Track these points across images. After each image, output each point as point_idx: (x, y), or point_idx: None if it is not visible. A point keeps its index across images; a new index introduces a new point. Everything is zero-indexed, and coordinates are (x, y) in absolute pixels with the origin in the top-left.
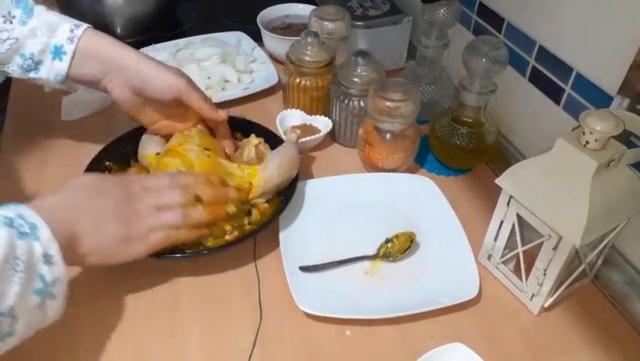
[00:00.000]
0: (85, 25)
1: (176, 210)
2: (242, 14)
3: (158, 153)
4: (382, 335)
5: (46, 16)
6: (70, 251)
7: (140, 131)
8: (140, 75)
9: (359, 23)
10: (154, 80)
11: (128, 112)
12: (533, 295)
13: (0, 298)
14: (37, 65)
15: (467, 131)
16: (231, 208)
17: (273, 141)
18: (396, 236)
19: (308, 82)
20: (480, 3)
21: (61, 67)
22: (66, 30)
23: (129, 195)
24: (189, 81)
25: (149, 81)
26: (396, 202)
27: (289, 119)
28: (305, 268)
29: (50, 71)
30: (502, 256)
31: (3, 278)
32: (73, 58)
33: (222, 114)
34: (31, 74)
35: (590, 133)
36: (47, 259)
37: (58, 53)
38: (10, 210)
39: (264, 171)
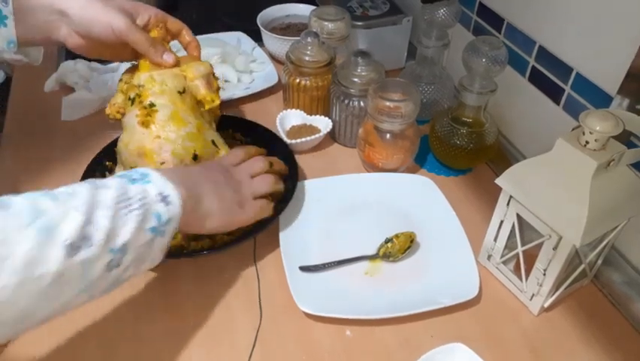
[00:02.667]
0: None
1: (265, 176)
2: (242, 14)
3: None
4: (382, 335)
5: None
6: (192, 211)
7: None
8: (82, 20)
9: (359, 23)
10: (95, 24)
11: (91, 56)
12: (533, 295)
13: (114, 236)
14: None
15: (467, 131)
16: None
17: (273, 141)
18: (397, 236)
19: (308, 82)
20: (480, 3)
21: (8, 33)
22: None
23: (227, 170)
24: (132, 21)
25: (92, 26)
26: (396, 202)
27: (289, 119)
28: (305, 268)
29: (3, 41)
30: (502, 256)
31: (116, 218)
32: (14, 19)
33: (168, 59)
34: None
35: (590, 133)
36: (163, 198)
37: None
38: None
39: None
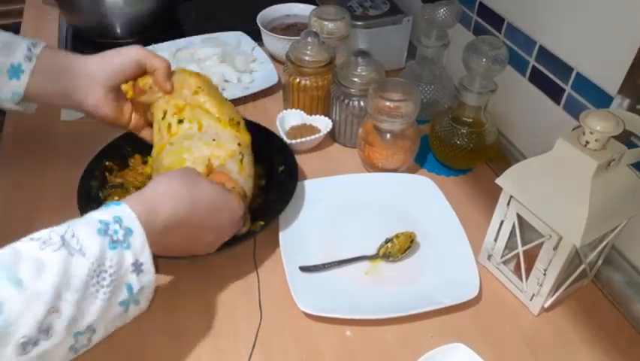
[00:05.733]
0: (42, 44)
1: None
2: (242, 14)
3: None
4: (382, 335)
5: (2, 37)
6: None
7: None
8: (102, 62)
9: (359, 23)
10: (115, 58)
11: (108, 117)
12: (533, 295)
13: (80, 317)
14: None
15: (467, 131)
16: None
17: (273, 141)
18: (397, 236)
19: (308, 82)
20: (480, 3)
21: (18, 86)
22: (24, 49)
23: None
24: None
25: (112, 63)
26: (397, 202)
27: (289, 119)
28: (305, 268)
29: (6, 90)
30: (503, 256)
31: (86, 296)
32: (31, 76)
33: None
34: None
35: (590, 133)
36: (137, 267)
37: (15, 71)
38: (108, 212)
39: None
